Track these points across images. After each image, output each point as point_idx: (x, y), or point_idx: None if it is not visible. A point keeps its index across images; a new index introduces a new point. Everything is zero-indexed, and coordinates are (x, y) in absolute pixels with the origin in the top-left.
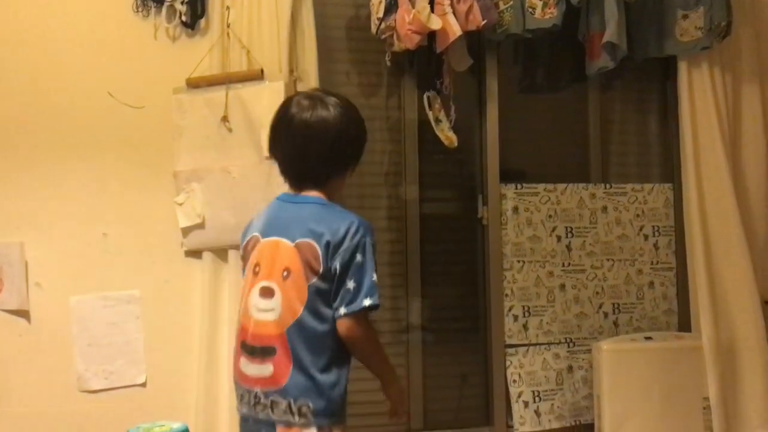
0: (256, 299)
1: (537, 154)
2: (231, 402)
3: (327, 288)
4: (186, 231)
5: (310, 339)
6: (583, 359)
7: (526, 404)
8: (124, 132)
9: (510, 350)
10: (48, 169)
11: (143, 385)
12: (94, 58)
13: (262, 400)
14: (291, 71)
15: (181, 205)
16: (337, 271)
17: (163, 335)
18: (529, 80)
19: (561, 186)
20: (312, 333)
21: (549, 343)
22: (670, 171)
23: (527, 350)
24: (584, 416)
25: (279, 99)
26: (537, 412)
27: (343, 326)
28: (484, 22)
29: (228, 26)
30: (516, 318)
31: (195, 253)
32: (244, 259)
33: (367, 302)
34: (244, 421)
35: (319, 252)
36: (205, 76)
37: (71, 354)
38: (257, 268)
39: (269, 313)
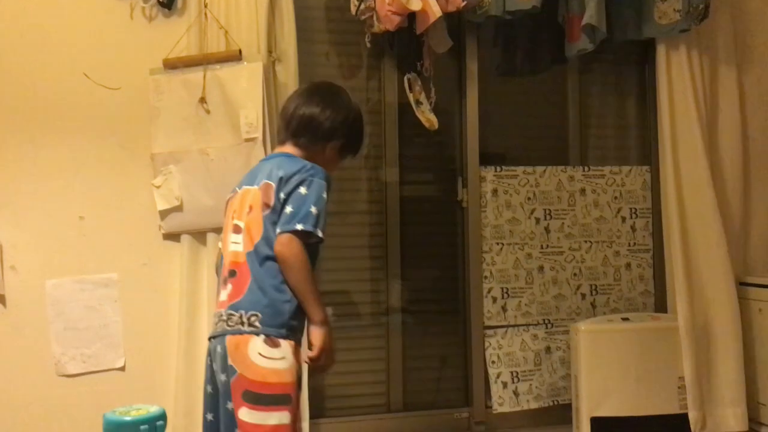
0: (230, 236)
1: (516, 136)
2: None
3: (277, 218)
4: (164, 214)
5: (263, 262)
6: (561, 340)
7: (504, 385)
8: (101, 113)
9: (489, 332)
10: (23, 151)
11: (122, 369)
12: (69, 39)
13: (223, 317)
14: (270, 52)
15: (158, 187)
16: (281, 200)
17: (141, 319)
18: (509, 62)
19: (540, 168)
20: (265, 257)
21: (527, 325)
22: (647, 153)
23: (506, 331)
24: (562, 396)
25: (257, 80)
26: (515, 393)
27: (276, 245)
28: (464, 4)
29: (205, 6)
30: (495, 300)
31: (173, 236)
32: (226, 213)
33: (299, 226)
34: (209, 341)
35: (274, 188)
36: (183, 57)
37: (48, 338)
38: (233, 213)
39: (238, 245)
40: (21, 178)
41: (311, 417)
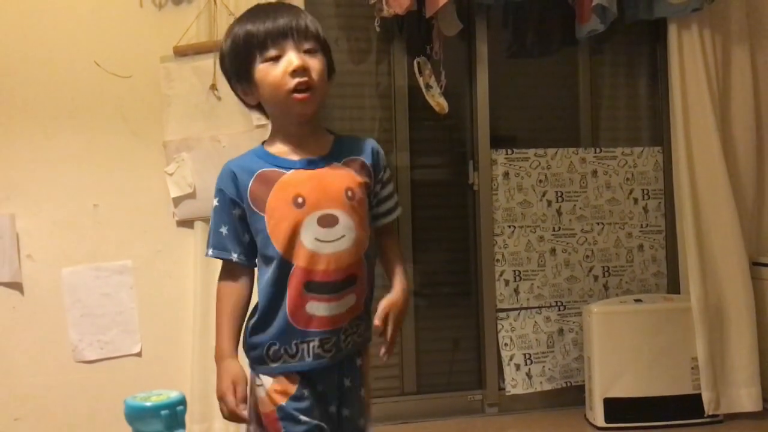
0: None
1: (527, 119)
2: None
3: None
4: (177, 201)
5: None
6: (573, 322)
7: (517, 367)
8: (113, 102)
9: (501, 314)
10: (37, 141)
11: (138, 354)
12: (80, 28)
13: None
14: None
15: (171, 175)
16: None
17: (156, 305)
18: (519, 44)
19: (551, 151)
20: None
21: (540, 307)
22: (659, 134)
23: (518, 314)
24: (575, 378)
25: None
26: (528, 375)
27: None
28: None
29: None
30: (507, 282)
31: (187, 223)
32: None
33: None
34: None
35: None
36: (193, 44)
37: (65, 325)
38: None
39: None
40: (35, 168)
41: None
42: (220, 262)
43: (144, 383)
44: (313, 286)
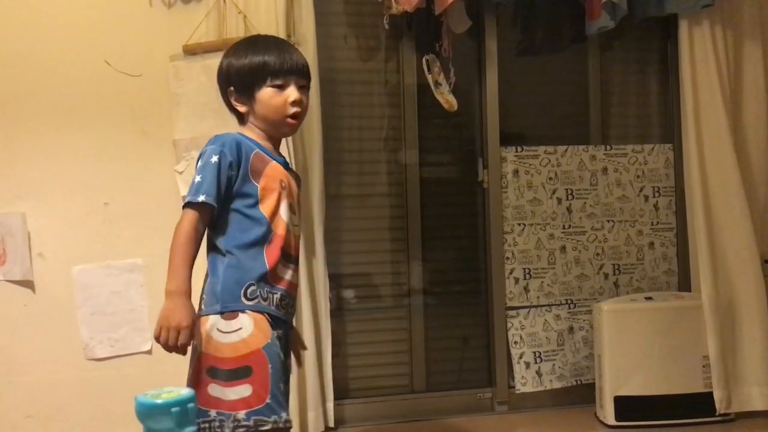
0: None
1: (537, 116)
2: None
3: None
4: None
5: (213, 251)
6: (583, 320)
7: (527, 365)
8: (123, 100)
9: (511, 312)
10: (47, 139)
11: (149, 352)
12: (89, 26)
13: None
14: (288, 36)
15: (181, 173)
16: None
17: None
18: (529, 41)
19: (561, 148)
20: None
21: (550, 305)
22: (670, 131)
23: (528, 312)
24: (585, 376)
25: None
26: (538, 373)
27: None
28: None
29: None
30: (517, 280)
31: None
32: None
33: (185, 201)
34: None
35: None
36: (202, 43)
37: (76, 323)
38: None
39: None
40: (46, 166)
41: (335, 398)
42: None
43: (154, 381)
44: (284, 254)
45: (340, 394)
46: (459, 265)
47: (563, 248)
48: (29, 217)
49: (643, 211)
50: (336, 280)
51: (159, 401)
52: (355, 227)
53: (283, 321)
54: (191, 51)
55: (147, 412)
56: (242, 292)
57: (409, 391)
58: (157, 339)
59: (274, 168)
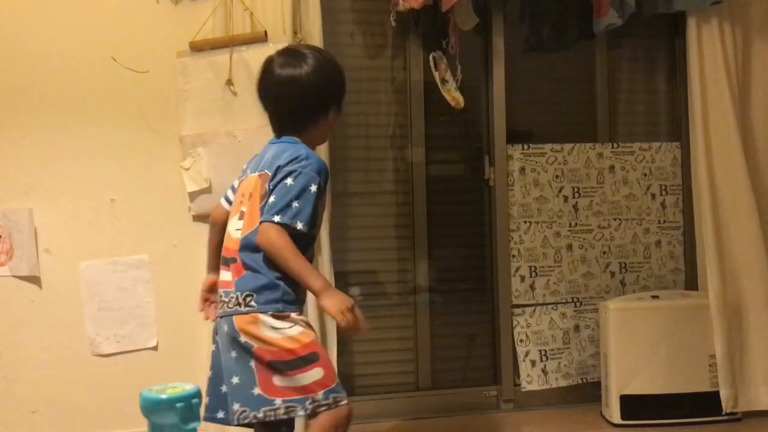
0: (234, 221)
1: (544, 113)
2: None
3: None
4: (193, 196)
5: (255, 248)
6: (589, 318)
7: (533, 363)
8: (129, 97)
9: (517, 310)
10: (54, 135)
11: (155, 348)
12: (96, 22)
13: (224, 298)
14: (295, 33)
15: (187, 169)
16: (269, 189)
17: (173, 299)
18: (536, 39)
19: (568, 146)
20: (256, 244)
21: (556, 303)
22: (677, 129)
23: (534, 310)
24: (591, 374)
25: None
26: (544, 371)
27: (258, 234)
28: None
29: None
30: (523, 278)
31: (203, 218)
32: (235, 196)
33: (276, 218)
34: (217, 318)
35: (269, 178)
36: (209, 39)
37: (83, 319)
38: (241, 198)
39: (238, 231)
40: (53, 162)
41: None
42: None
43: (160, 377)
44: None
45: (346, 391)
46: (465, 262)
47: (569, 246)
48: (36, 212)
49: (650, 209)
50: (342, 278)
51: (164, 396)
52: (361, 225)
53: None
54: (198, 47)
55: (152, 408)
56: (297, 297)
57: (414, 388)
58: (345, 326)
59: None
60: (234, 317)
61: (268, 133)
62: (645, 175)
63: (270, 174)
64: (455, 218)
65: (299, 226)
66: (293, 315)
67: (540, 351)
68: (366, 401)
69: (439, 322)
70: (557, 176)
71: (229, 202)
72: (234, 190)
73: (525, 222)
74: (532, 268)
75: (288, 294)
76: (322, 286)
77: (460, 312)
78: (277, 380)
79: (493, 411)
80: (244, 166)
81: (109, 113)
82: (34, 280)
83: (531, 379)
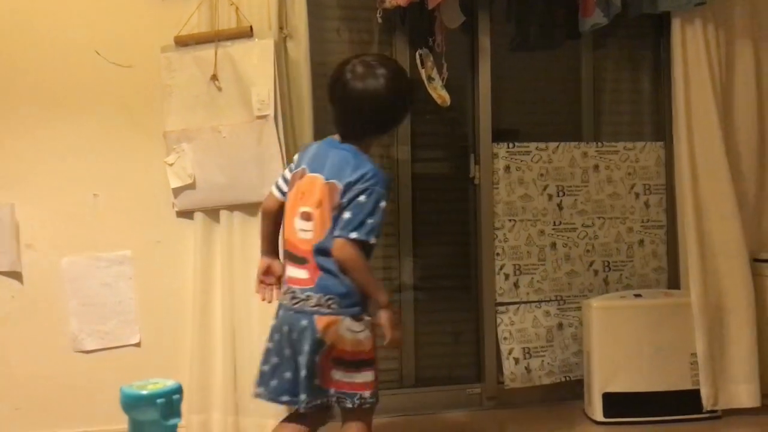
0: (298, 221)
1: (529, 112)
2: (225, 360)
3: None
4: (177, 191)
5: (330, 256)
6: (573, 316)
7: (516, 361)
8: (114, 91)
9: (501, 308)
10: (37, 130)
11: (137, 345)
12: (80, 16)
13: (299, 295)
14: (281, 28)
15: (171, 165)
16: (343, 205)
17: (156, 295)
18: (522, 38)
19: (553, 145)
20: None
21: (540, 301)
22: (662, 129)
23: (518, 308)
24: (574, 372)
25: (268, 57)
26: (527, 369)
27: (333, 248)
28: None
29: None
30: (507, 276)
31: (186, 214)
32: (291, 182)
33: (353, 235)
34: (286, 309)
35: (341, 190)
36: (194, 34)
37: (65, 315)
38: (302, 196)
39: (307, 233)
40: (35, 157)
41: None
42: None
43: (143, 373)
44: None
45: None
46: (450, 260)
47: (554, 245)
48: (18, 207)
49: (633, 208)
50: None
51: (144, 392)
52: None
53: None
54: (183, 42)
55: (132, 404)
56: (364, 302)
57: (398, 385)
58: (392, 341)
59: None
60: (315, 317)
61: (253, 128)
62: (629, 174)
63: (340, 187)
64: (440, 216)
65: (372, 241)
66: (366, 318)
67: (524, 349)
68: None
69: (423, 319)
70: (542, 175)
71: (282, 192)
72: (286, 181)
73: (509, 220)
74: (517, 266)
75: (362, 300)
76: (387, 301)
77: (445, 310)
78: (337, 374)
79: (476, 409)
80: (296, 158)
81: (93, 107)
82: (16, 275)
83: (514, 377)
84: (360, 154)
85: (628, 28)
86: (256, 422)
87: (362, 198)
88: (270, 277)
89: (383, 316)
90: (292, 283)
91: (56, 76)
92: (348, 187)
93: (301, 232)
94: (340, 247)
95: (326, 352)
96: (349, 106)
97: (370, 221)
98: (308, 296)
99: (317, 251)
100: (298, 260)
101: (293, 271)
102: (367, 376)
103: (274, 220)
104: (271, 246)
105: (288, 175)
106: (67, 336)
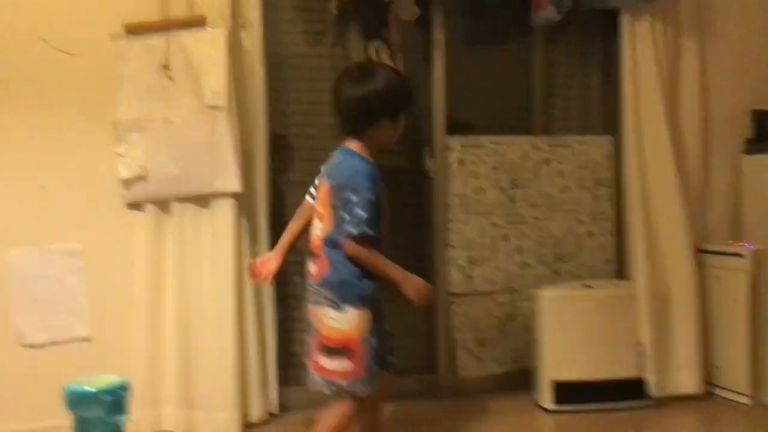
0: (316, 222)
1: (483, 106)
2: (176, 355)
3: (339, 218)
4: (127, 183)
5: (334, 247)
6: (525, 307)
7: (469, 351)
8: (62, 80)
9: (454, 299)
10: None
11: (87, 339)
12: (25, 1)
13: (310, 289)
14: (235, 18)
15: (121, 156)
16: (338, 206)
17: (106, 289)
18: (476, 32)
19: (506, 138)
20: (335, 243)
21: (492, 292)
22: (611, 123)
23: (471, 299)
24: (526, 362)
25: (221, 46)
26: (480, 359)
27: (344, 247)
28: None
29: None
30: (461, 268)
31: (137, 206)
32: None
33: (353, 231)
34: (307, 301)
35: (336, 188)
36: (145, 23)
37: (11, 309)
38: (318, 200)
39: (318, 230)
40: None
41: (280, 384)
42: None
43: (93, 368)
44: None
45: (286, 380)
46: (404, 252)
47: (506, 237)
48: None
49: (583, 201)
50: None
51: (90, 389)
52: None
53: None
54: (134, 30)
55: (77, 401)
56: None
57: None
58: (416, 303)
59: (384, 188)
60: (310, 306)
61: (206, 119)
62: (579, 167)
63: (335, 186)
64: (395, 208)
65: (369, 232)
66: (355, 311)
67: (476, 339)
68: (306, 390)
69: None
70: (495, 168)
71: (313, 198)
72: (315, 187)
73: (463, 213)
74: (470, 258)
75: (364, 290)
76: (402, 277)
77: (398, 301)
78: (320, 360)
79: (429, 399)
80: (323, 167)
81: (41, 97)
82: None
83: (467, 367)
84: (350, 154)
85: (580, 23)
86: (208, 416)
87: (352, 196)
88: (260, 268)
89: (406, 289)
90: (308, 278)
91: (1, 64)
92: (340, 186)
93: (316, 230)
94: (348, 246)
95: (315, 338)
96: (336, 105)
97: (362, 215)
98: (315, 289)
99: (325, 242)
100: (313, 255)
101: (309, 266)
102: (343, 365)
103: (299, 218)
104: (284, 239)
105: (317, 182)
106: (13, 330)
